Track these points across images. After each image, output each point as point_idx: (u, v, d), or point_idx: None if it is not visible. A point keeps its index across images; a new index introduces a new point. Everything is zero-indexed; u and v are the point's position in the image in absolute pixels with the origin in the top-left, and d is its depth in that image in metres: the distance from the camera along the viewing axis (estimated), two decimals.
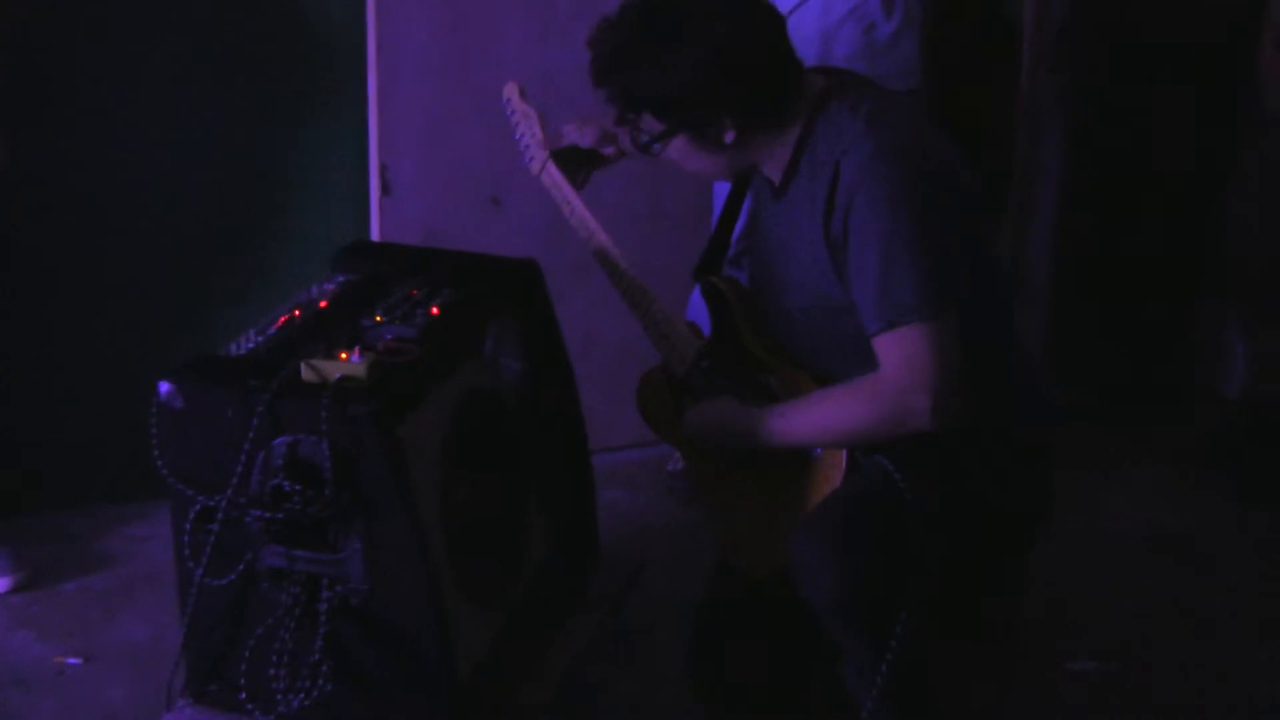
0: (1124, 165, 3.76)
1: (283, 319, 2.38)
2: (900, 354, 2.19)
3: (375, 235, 3.23)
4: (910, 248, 2.18)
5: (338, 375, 2.17)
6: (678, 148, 2.32)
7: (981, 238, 2.36)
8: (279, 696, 2.24)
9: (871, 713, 2.29)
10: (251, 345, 2.31)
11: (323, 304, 2.44)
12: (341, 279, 2.54)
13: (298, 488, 2.16)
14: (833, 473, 2.30)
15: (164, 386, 2.21)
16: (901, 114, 2.33)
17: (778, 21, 2.31)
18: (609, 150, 2.66)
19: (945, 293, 2.19)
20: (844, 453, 2.29)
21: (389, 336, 2.31)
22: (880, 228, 2.19)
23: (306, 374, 2.18)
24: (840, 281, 2.27)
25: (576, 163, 2.64)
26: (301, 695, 2.24)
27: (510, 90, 2.65)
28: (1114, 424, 3.64)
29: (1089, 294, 3.86)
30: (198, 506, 2.23)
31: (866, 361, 2.27)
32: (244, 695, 2.27)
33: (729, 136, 2.28)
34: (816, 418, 2.29)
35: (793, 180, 2.32)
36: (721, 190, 2.79)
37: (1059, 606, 2.86)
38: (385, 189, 3.21)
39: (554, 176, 2.57)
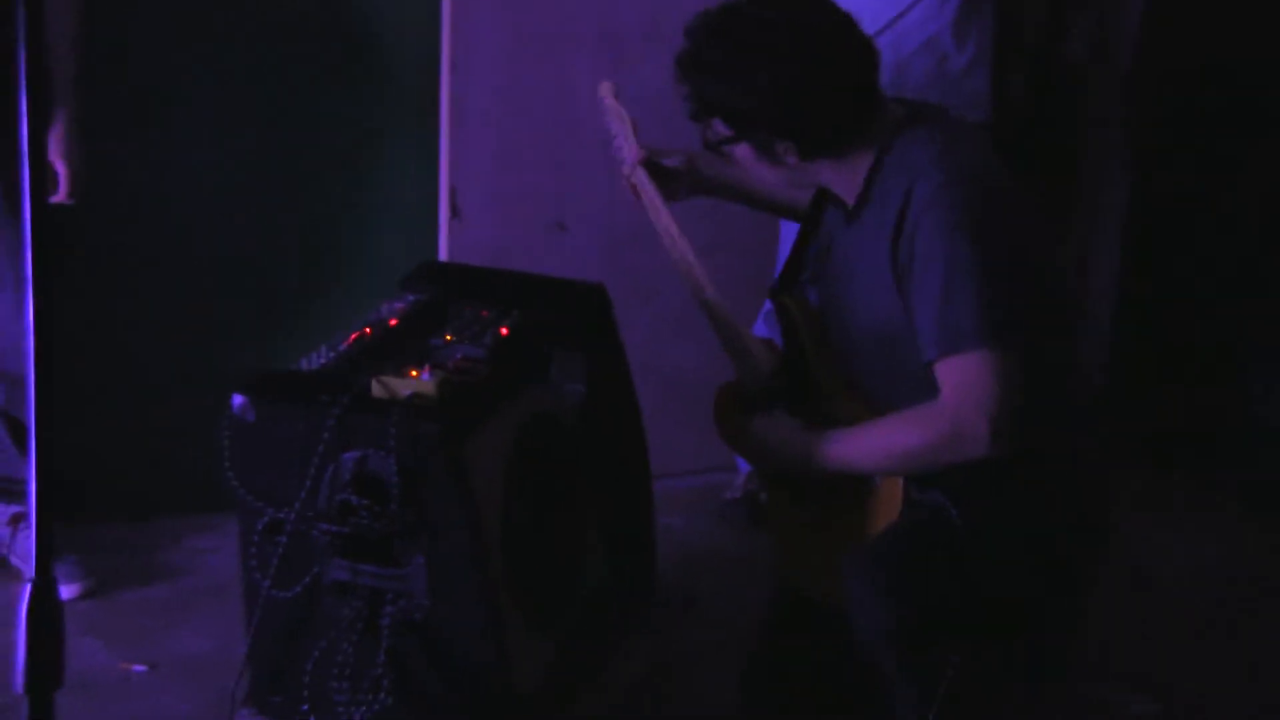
0: (1190, 203, 3.76)
1: (354, 336, 2.41)
2: (959, 379, 2.18)
3: (443, 257, 3.26)
4: (974, 274, 2.18)
5: (408, 392, 2.19)
6: (743, 153, 2.33)
7: (1045, 269, 2.37)
8: (340, 709, 2.27)
9: None
10: (323, 361, 2.34)
11: (393, 322, 2.47)
12: (412, 298, 2.57)
13: (365, 502, 2.19)
14: (890, 506, 2.30)
15: (237, 399, 2.24)
16: (974, 143, 2.35)
17: (867, 56, 2.32)
18: (688, 179, 2.62)
19: (1008, 321, 2.18)
20: (900, 486, 2.29)
21: (458, 356, 2.33)
22: (945, 252, 2.19)
23: (377, 390, 2.21)
24: (904, 309, 2.28)
25: (660, 180, 2.63)
26: (363, 709, 2.26)
27: (605, 90, 2.61)
28: (1172, 463, 3.62)
29: (1151, 333, 3.84)
30: (266, 519, 2.26)
31: (925, 395, 2.27)
32: (306, 707, 2.30)
33: (790, 159, 2.30)
34: (873, 443, 2.30)
35: (865, 206, 2.32)
36: (790, 225, 2.79)
37: (1116, 648, 2.84)
38: (454, 212, 3.24)
39: (642, 178, 2.54)
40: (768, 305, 2.60)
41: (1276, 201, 3.62)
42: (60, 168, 2.82)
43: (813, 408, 2.43)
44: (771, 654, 2.62)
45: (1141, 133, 3.73)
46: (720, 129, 2.32)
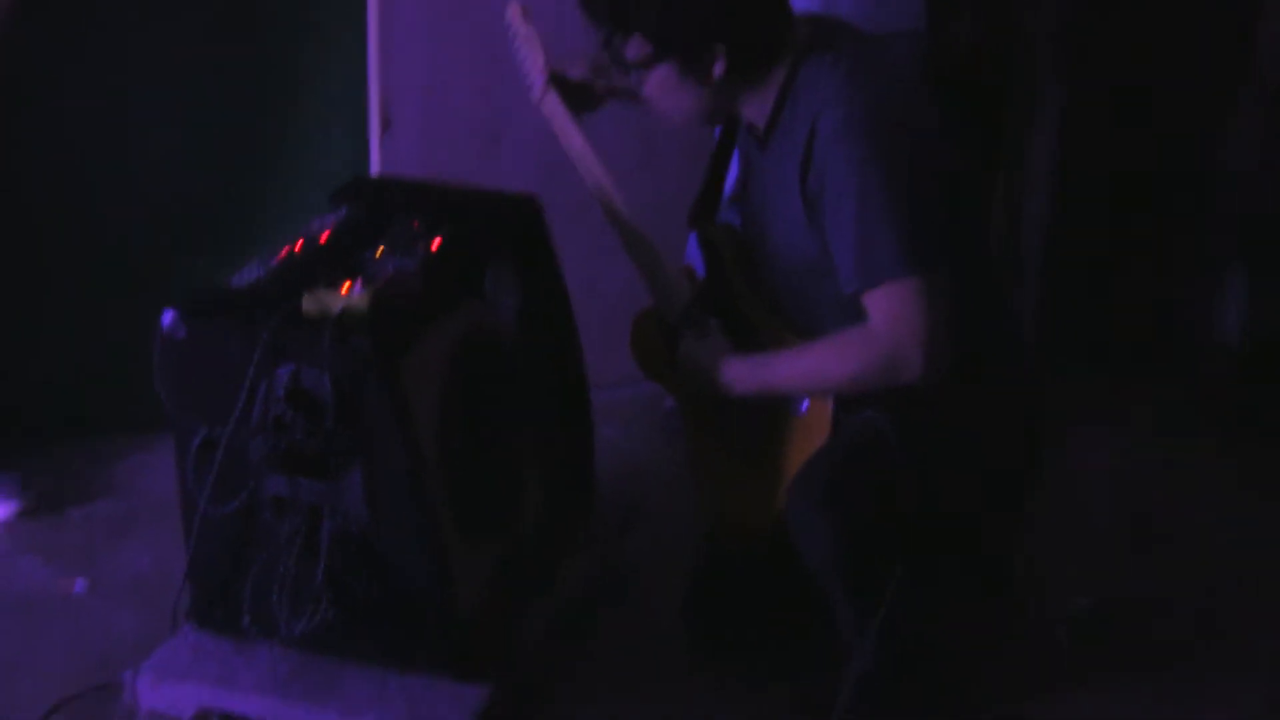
0: (1125, 122, 3.77)
1: (284, 251, 2.40)
2: (888, 309, 2.19)
3: (375, 170, 3.24)
4: (888, 204, 2.17)
5: (339, 307, 2.19)
6: (659, 80, 2.29)
7: (966, 192, 2.36)
8: (281, 623, 2.29)
9: (863, 664, 2.32)
10: (254, 277, 2.33)
11: (324, 237, 2.46)
12: (343, 212, 2.56)
13: (299, 418, 2.19)
14: (817, 433, 2.32)
15: (167, 316, 2.24)
16: (884, 68, 2.31)
17: None
18: (599, 85, 2.58)
19: (928, 247, 2.18)
20: (829, 414, 2.30)
21: (390, 270, 2.33)
22: (856, 187, 2.18)
23: (309, 305, 2.21)
24: (818, 239, 2.27)
25: (572, 97, 2.61)
26: (304, 621, 2.28)
27: (512, 11, 2.55)
28: (1106, 375, 3.66)
29: (1086, 252, 3.87)
30: (201, 436, 2.27)
31: (849, 323, 2.28)
32: (248, 620, 2.31)
33: (718, 69, 2.25)
34: (806, 365, 2.31)
35: (774, 131, 2.31)
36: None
37: (1045, 548, 2.88)
38: (385, 125, 3.21)
39: (554, 105, 2.51)
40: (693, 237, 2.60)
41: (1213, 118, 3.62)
42: None
43: (739, 339, 2.44)
44: (711, 571, 2.64)
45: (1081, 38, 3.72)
46: (639, 48, 2.27)
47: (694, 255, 2.64)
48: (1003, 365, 2.37)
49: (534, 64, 2.53)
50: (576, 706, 2.49)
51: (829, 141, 2.20)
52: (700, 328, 2.46)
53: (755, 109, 2.33)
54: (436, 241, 2.41)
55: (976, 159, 2.46)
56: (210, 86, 3.21)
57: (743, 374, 2.37)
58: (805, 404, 2.35)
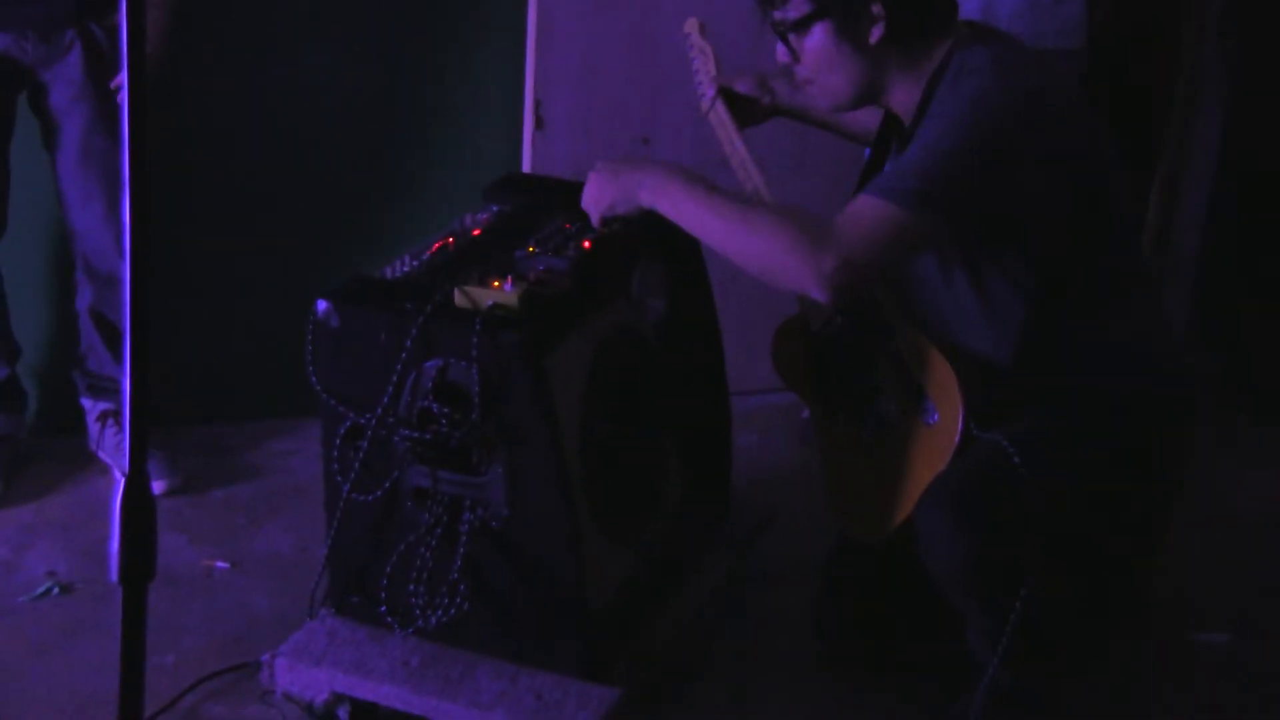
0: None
1: (437, 245, 2.43)
2: (851, 210, 2.14)
3: (527, 168, 3.27)
4: (936, 151, 2.13)
5: (490, 302, 2.21)
6: (816, 44, 2.27)
7: (1113, 200, 2.31)
8: (417, 612, 2.31)
9: (994, 676, 2.30)
10: (406, 269, 2.36)
11: (476, 232, 2.49)
12: (495, 209, 2.59)
13: (445, 410, 2.21)
14: (944, 448, 2.29)
15: (321, 305, 2.27)
16: (1033, 64, 2.27)
17: None
18: (764, 100, 2.64)
19: (931, 196, 2.12)
20: (958, 428, 2.27)
21: (541, 268, 2.34)
22: (944, 114, 2.16)
23: (460, 300, 2.23)
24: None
25: (738, 109, 2.65)
26: (439, 613, 2.30)
27: (691, 25, 2.64)
28: (1254, 393, 3.58)
29: (1238, 267, 3.78)
30: (348, 424, 2.30)
31: (980, 325, 2.26)
32: (384, 609, 2.34)
33: (875, 33, 2.23)
34: (739, 219, 2.21)
35: (919, 125, 2.27)
36: None
37: (1188, 579, 2.82)
38: (539, 124, 3.24)
39: (721, 115, 2.58)
40: None
41: None
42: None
43: (876, 346, 2.42)
44: (842, 579, 2.63)
45: (1242, 56, 3.64)
46: (799, 7, 2.25)
47: None
48: (1148, 370, 2.31)
49: (706, 75, 2.61)
50: (704, 709, 2.48)
51: (951, 86, 2.19)
52: (840, 339, 2.45)
53: (904, 95, 2.30)
54: (587, 242, 2.42)
55: (1125, 157, 2.38)
56: (368, 83, 3.26)
57: (664, 184, 2.29)
58: (935, 415, 2.32)
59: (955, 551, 2.20)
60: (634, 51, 3.22)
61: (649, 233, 2.58)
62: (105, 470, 3.09)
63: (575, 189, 2.75)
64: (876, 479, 2.43)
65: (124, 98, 1.43)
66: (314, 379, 2.29)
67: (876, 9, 2.23)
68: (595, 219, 2.41)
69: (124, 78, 1.41)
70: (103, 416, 3.11)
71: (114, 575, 1.42)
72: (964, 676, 2.34)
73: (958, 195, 2.14)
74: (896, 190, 2.12)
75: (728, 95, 2.59)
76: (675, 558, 2.61)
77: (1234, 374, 3.60)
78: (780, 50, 2.33)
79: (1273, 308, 3.73)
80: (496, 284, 2.26)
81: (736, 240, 2.21)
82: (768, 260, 2.17)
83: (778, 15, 2.30)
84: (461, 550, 2.28)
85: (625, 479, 2.45)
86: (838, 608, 2.62)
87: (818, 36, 2.27)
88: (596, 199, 2.40)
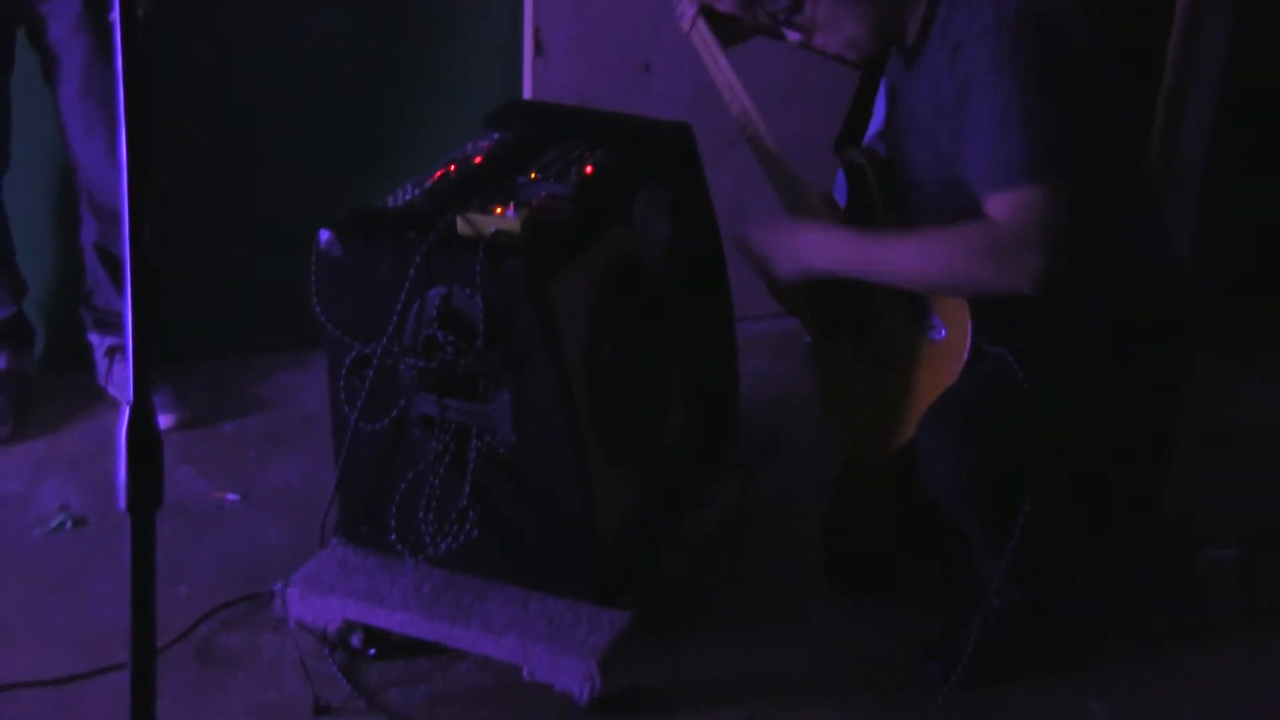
0: None
1: (439, 174, 2.42)
2: (1012, 212, 2.13)
3: (528, 95, 3.25)
4: (1025, 112, 2.12)
5: (493, 229, 2.20)
6: (819, 13, 2.25)
7: (1116, 113, 2.30)
8: (427, 540, 2.33)
9: (998, 591, 2.32)
10: (409, 198, 2.35)
11: (478, 160, 2.48)
12: (497, 137, 2.57)
13: (450, 338, 2.21)
14: (952, 364, 2.28)
15: (324, 235, 2.26)
16: None
17: None
18: (746, 18, 2.55)
19: (1059, 159, 2.12)
20: (967, 344, 2.26)
21: (543, 194, 2.33)
22: (993, 88, 2.14)
23: (462, 227, 2.22)
24: (954, 148, 2.23)
25: (721, 28, 2.61)
26: (449, 540, 2.31)
27: None
28: (1257, 309, 3.58)
29: (1241, 186, 3.76)
30: (354, 353, 2.30)
31: None
32: (394, 537, 2.35)
33: None
34: (919, 254, 2.22)
35: (924, 48, 2.27)
36: None
37: (1196, 494, 2.83)
38: (539, 50, 3.22)
39: (703, 34, 2.53)
40: None
41: None
42: None
43: None
44: (848, 502, 2.64)
45: None
46: None
47: (840, 188, 2.62)
48: (1152, 280, 2.30)
49: None
50: (715, 631, 2.50)
51: (973, 49, 2.16)
52: None
53: (909, 22, 2.29)
54: (589, 167, 2.41)
55: (1130, 66, 2.36)
56: (369, 13, 3.24)
57: (846, 252, 2.29)
58: (943, 330, 2.32)
59: (956, 467, 2.21)
60: None
61: (652, 157, 2.57)
62: (114, 405, 3.10)
63: (577, 115, 2.75)
64: (879, 398, 2.43)
65: (117, 35, 1.42)
66: (318, 310, 2.29)
67: None
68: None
69: (115, 15, 1.40)
70: (110, 351, 3.12)
71: (121, 504, 1.44)
72: (973, 596, 2.36)
73: (1070, 144, 2.14)
74: (1028, 169, 2.11)
75: (709, 14, 2.54)
76: (683, 483, 2.62)
77: (1237, 289, 3.59)
78: (790, 35, 2.31)
79: (1275, 225, 3.72)
80: (499, 211, 2.25)
81: (926, 273, 2.22)
82: (966, 280, 2.18)
83: (770, 8, 2.27)
84: (470, 478, 2.29)
85: (631, 405, 2.46)
86: (845, 528, 2.63)
87: (815, 4, 2.24)
88: (763, 275, 2.42)
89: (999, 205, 2.14)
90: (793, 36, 2.32)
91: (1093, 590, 2.53)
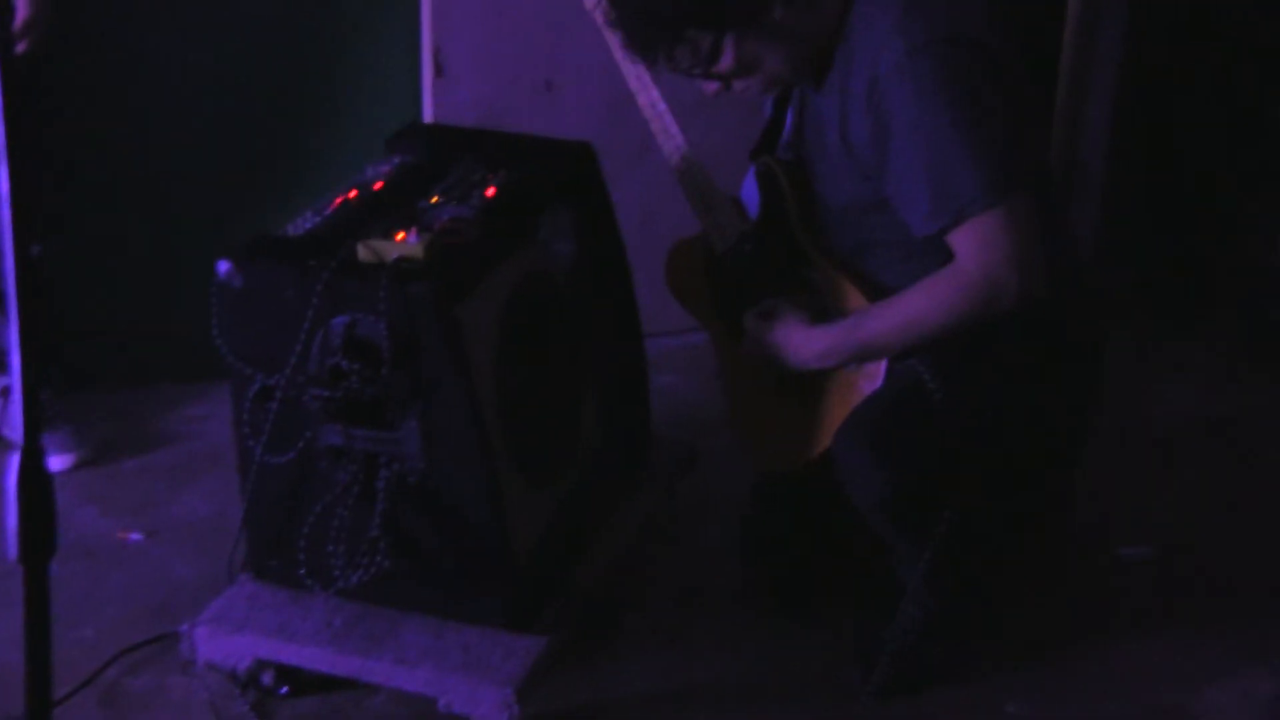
0: (1186, 50, 3.70)
1: (339, 200, 2.39)
2: (976, 243, 2.15)
3: (428, 118, 3.22)
4: (959, 137, 2.13)
5: (395, 255, 2.17)
6: (736, 58, 2.21)
7: (1029, 119, 2.32)
8: (337, 572, 2.29)
9: (915, 598, 2.32)
10: (309, 226, 2.31)
11: (378, 185, 2.44)
12: (397, 160, 2.54)
13: (356, 367, 2.18)
14: (864, 385, 2.30)
15: (223, 266, 2.22)
16: (940, 0, 2.24)
17: None
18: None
19: (1007, 173, 2.14)
20: (882, 366, 2.28)
21: (446, 217, 2.30)
22: (923, 123, 2.14)
23: (364, 254, 2.19)
24: (867, 181, 2.24)
25: None
26: (360, 571, 2.28)
27: None
28: (1163, 305, 3.63)
29: (1144, 177, 3.81)
30: (257, 385, 2.26)
31: (900, 260, 2.26)
32: (303, 571, 2.31)
33: (777, 10, 2.18)
34: (901, 317, 2.24)
35: (830, 71, 2.26)
36: None
37: (1110, 493, 2.86)
38: (438, 71, 3.19)
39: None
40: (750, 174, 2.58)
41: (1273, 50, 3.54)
42: (19, 3, 2.70)
43: (788, 271, 2.41)
44: (766, 512, 2.64)
45: None
46: (700, 43, 2.19)
47: (749, 193, 2.61)
48: (1059, 290, 2.32)
49: None
50: (636, 648, 2.49)
51: (891, 81, 2.15)
52: (748, 265, 2.44)
53: (812, 43, 2.27)
54: (491, 189, 2.39)
55: (1035, 73, 2.38)
56: (263, 37, 3.19)
57: (834, 344, 2.30)
58: None
59: (876, 483, 2.21)
60: None
61: (554, 177, 2.56)
62: (11, 446, 3.02)
63: (478, 136, 2.73)
64: (789, 411, 2.43)
65: None
66: (219, 341, 2.25)
67: None
68: None
69: None
70: (4, 391, 3.05)
71: (12, 554, 1.39)
72: (891, 603, 2.36)
73: (1015, 157, 2.17)
74: (976, 200, 2.13)
75: None
76: (599, 500, 2.61)
77: (1143, 287, 3.63)
78: (707, 86, 2.29)
79: (1179, 219, 3.78)
80: (401, 236, 2.22)
81: (921, 332, 2.23)
82: (958, 323, 2.19)
83: (685, 63, 2.24)
84: (380, 507, 2.26)
85: (544, 424, 2.44)
86: (764, 537, 2.64)
87: (731, 51, 2.22)
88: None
89: (962, 242, 2.16)
90: (710, 87, 2.29)
91: (1009, 594, 2.54)
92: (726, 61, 2.23)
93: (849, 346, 2.29)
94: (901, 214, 2.21)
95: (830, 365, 2.33)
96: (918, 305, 2.22)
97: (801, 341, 2.34)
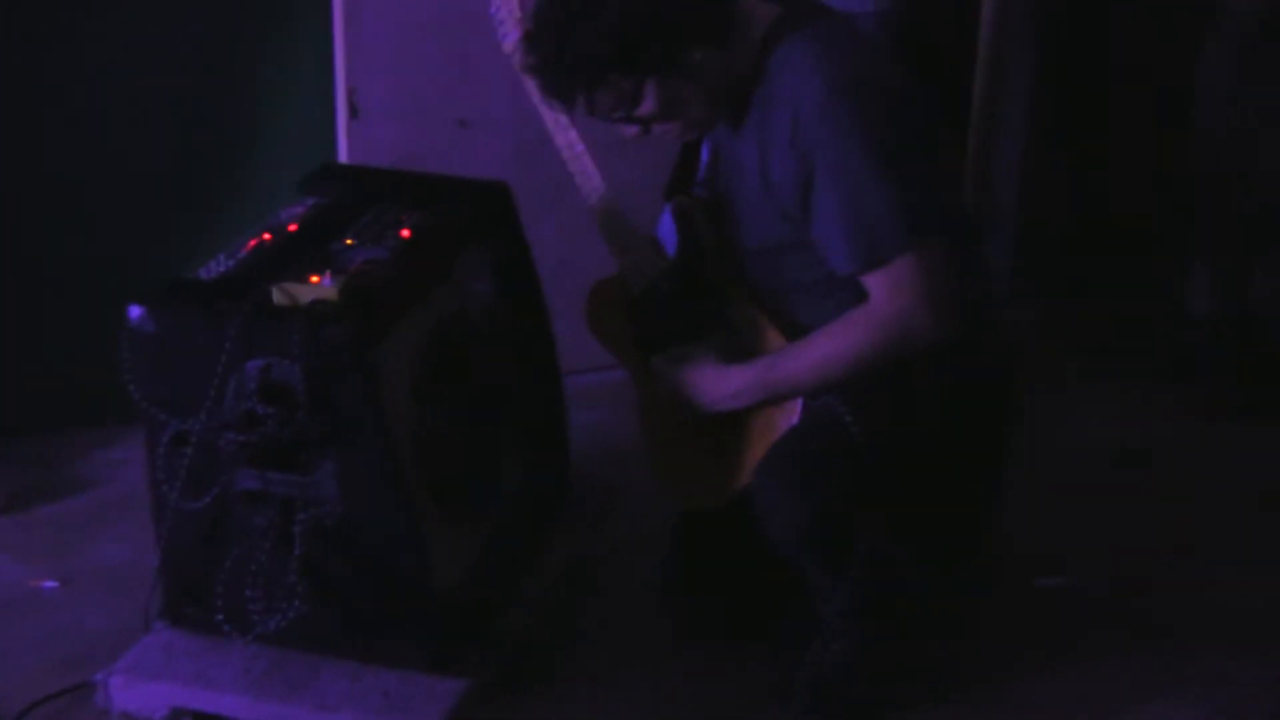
0: (1093, 84, 3.77)
1: (253, 242, 2.37)
2: (890, 285, 2.19)
3: (343, 158, 3.21)
4: (876, 183, 2.16)
5: (310, 298, 2.17)
6: (657, 102, 2.23)
7: (940, 160, 2.36)
8: (255, 618, 2.26)
9: (834, 632, 2.34)
10: (222, 269, 2.30)
11: (292, 227, 2.44)
12: (311, 202, 2.54)
13: (271, 411, 2.17)
14: (781, 422, 2.31)
15: (134, 311, 2.21)
16: (855, 45, 2.30)
17: None
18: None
19: (923, 219, 2.18)
20: (797, 406, 2.30)
21: (360, 259, 2.30)
22: (842, 166, 2.17)
23: (278, 297, 2.18)
24: (786, 221, 2.27)
25: None
26: (279, 616, 2.26)
27: None
28: (1078, 338, 3.68)
29: (1057, 215, 3.88)
30: (171, 430, 2.24)
31: (819, 299, 2.29)
32: (221, 617, 2.28)
33: (695, 55, 2.20)
34: (814, 358, 2.26)
35: (747, 114, 2.29)
36: None
37: (1024, 524, 2.88)
38: (353, 112, 3.18)
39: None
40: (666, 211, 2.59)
41: (1183, 70, 3.60)
42: None
43: (706, 310, 2.42)
44: (686, 549, 2.64)
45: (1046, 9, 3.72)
46: (624, 86, 2.20)
47: (665, 233, 2.63)
48: (973, 326, 2.36)
49: (509, 14, 2.47)
50: (558, 694, 2.47)
51: (811, 125, 2.18)
52: (665, 304, 2.45)
53: (725, 89, 2.29)
54: (407, 231, 2.39)
55: (944, 118, 2.43)
56: (173, 75, 3.17)
57: (747, 384, 2.32)
58: None
59: (793, 519, 2.23)
60: (450, 30, 3.17)
61: (469, 218, 2.56)
62: None
63: (393, 177, 2.73)
64: (708, 449, 2.44)
65: None
66: (131, 386, 2.23)
67: (674, 33, 2.18)
68: None
69: None
70: None
71: None
72: (813, 638, 2.37)
73: (929, 200, 2.21)
74: (890, 243, 2.16)
75: None
76: (521, 540, 2.60)
77: (1057, 321, 3.68)
78: (627, 130, 2.29)
79: (1093, 251, 3.84)
80: (316, 279, 2.22)
81: (834, 371, 2.25)
82: (872, 361, 2.23)
83: (605, 108, 2.25)
84: (297, 551, 2.24)
85: (463, 464, 2.43)
86: (685, 574, 2.64)
87: (653, 95, 2.23)
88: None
89: (877, 285, 2.19)
90: (629, 131, 2.29)
91: (926, 626, 2.56)
92: (648, 105, 2.24)
93: (762, 387, 2.31)
94: (822, 253, 2.24)
95: (742, 405, 2.34)
96: (832, 346, 2.25)
97: (714, 382, 2.36)
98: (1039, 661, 2.58)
